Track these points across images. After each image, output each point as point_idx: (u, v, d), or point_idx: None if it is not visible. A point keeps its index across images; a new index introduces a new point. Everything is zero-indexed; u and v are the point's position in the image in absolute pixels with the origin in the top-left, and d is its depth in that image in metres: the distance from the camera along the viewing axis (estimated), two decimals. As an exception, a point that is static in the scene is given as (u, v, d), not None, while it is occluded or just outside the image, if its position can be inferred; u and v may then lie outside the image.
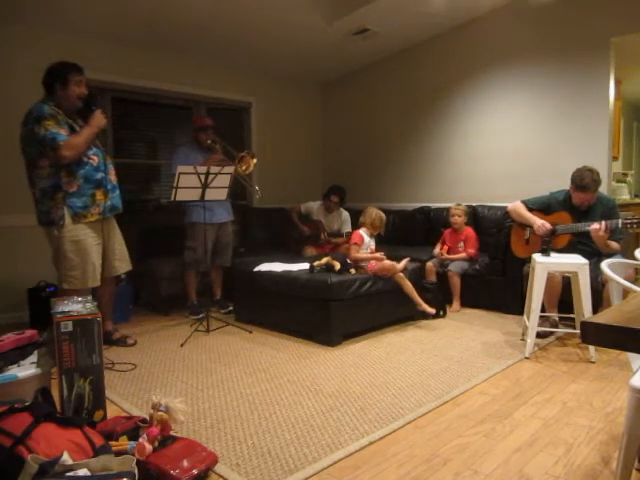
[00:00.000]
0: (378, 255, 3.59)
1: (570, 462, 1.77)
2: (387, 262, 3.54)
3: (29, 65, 3.88)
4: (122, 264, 3.22)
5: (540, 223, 3.31)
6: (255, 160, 3.88)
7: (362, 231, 3.71)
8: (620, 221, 3.02)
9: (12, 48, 3.85)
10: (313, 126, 6.20)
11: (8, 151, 3.77)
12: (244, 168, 3.84)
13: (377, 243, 3.81)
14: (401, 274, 3.58)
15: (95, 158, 2.96)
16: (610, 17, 3.94)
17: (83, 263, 2.92)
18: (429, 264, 4.24)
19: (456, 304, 4.12)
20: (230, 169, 3.61)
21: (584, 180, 3.16)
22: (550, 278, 2.97)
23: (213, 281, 4.20)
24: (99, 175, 2.97)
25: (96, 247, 3.00)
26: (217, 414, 2.20)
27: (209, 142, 3.99)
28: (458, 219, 4.26)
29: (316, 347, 3.18)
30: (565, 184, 3.37)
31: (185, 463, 1.64)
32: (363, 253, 3.64)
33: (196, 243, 3.93)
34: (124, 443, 1.73)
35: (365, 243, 3.68)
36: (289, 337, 3.40)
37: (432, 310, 3.65)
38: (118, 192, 3.14)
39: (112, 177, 3.09)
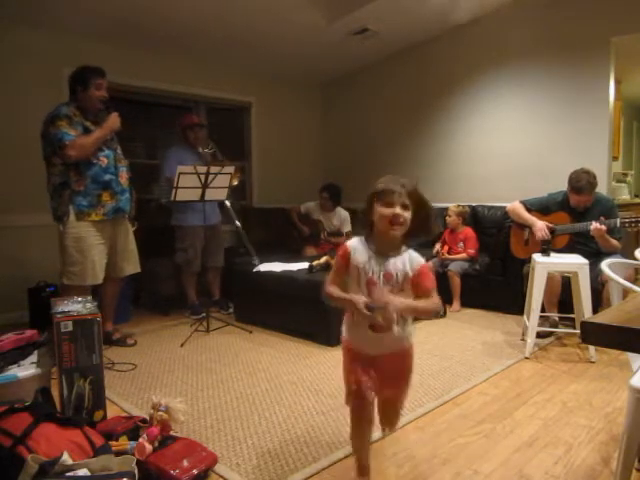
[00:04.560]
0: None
1: (570, 462, 1.77)
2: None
3: (31, 66, 3.89)
4: (129, 266, 3.26)
5: (540, 226, 3.30)
6: (235, 182, 3.85)
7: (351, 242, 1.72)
8: (619, 220, 3.03)
9: (15, 49, 3.84)
10: (313, 126, 6.20)
11: (9, 152, 3.78)
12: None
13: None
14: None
15: (105, 160, 3.01)
16: (610, 17, 3.94)
17: (83, 260, 2.97)
18: (429, 264, 4.23)
19: (456, 304, 4.12)
20: (230, 169, 3.61)
21: (580, 182, 3.18)
22: (550, 278, 2.97)
23: (210, 283, 4.20)
24: (107, 177, 3.02)
25: (98, 246, 3.03)
26: (217, 414, 2.20)
27: (202, 150, 3.95)
28: (448, 219, 4.29)
29: (316, 347, 3.18)
30: (565, 184, 3.37)
31: (185, 463, 1.64)
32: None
33: (185, 245, 3.95)
34: (124, 443, 1.74)
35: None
36: (289, 337, 3.40)
37: None
38: (127, 195, 3.17)
39: (123, 180, 3.13)
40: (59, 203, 2.94)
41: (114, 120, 3.05)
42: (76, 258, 2.96)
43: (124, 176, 3.15)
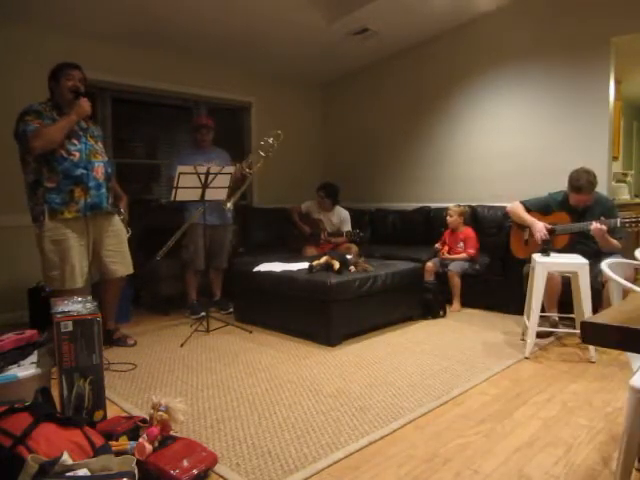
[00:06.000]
0: None
1: (570, 462, 1.77)
2: None
3: (31, 65, 3.88)
4: (120, 267, 3.15)
5: (539, 227, 3.30)
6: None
7: None
8: (619, 220, 3.03)
9: (14, 48, 3.84)
10: (313, 126, 6.19)
11: (8, 151, 3.78)
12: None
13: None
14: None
15: (77, 154, 2.90)
16: (610, 17, 3.94)
17: (62, 264, 2.87)
18: (429, 264, 4.24)
19: (456, 304, 4.12)
20: (230, 169, 3.61)
21: (579, 181, 3.18)
22: (550, 278, 2.97)
23: (212, 282, 4.21)
24: (79, 171, 2.89)
25: (78, 248, 2.92)
26: (217, 414, 2.20)
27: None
28: (449, 219, 4.30)
29: (316, 347, 3.18)
30: (565, 184, 3.37)
31: (185, 463, 1.64)
32: None
33: (189, 241, 3.97)
34: (124, 443, 1.73)
35: None
36: (289, 337, 3.40)
37: None
38: (103, 191, 3.01)
39: (98, 175, 2.97)
40: (35, 202, 2.85)
41: (83, 105, 2.87)
42: (55, 262, 2.85)
43: (99, 171, 2.98)
